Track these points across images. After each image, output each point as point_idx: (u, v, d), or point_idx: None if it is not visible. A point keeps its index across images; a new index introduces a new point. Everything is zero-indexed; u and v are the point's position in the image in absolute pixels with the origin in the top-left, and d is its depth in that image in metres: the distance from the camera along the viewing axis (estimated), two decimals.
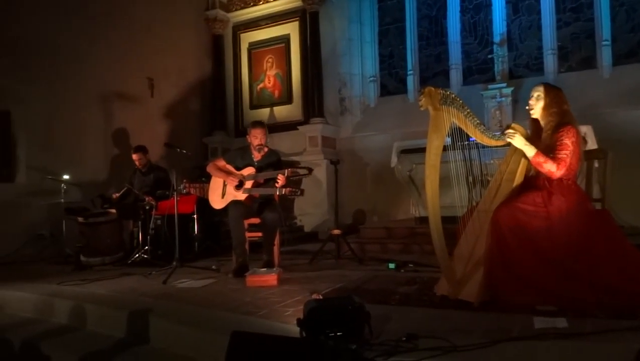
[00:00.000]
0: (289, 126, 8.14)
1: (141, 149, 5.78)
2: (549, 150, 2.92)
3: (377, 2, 8.31)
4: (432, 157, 2.76)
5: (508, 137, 2.97)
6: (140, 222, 5.33)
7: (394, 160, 5.90)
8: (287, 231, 6.45)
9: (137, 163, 5.74)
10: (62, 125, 6.40)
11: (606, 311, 2.45)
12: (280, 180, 4.05)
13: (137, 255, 5.05)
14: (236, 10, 8.80)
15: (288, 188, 4.07)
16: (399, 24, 8.14)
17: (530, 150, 2.91)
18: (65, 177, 5.77)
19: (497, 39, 7.22)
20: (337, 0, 8.17)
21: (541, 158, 2.87)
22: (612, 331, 2.16)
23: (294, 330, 2.26)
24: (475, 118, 2.95)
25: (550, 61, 6.99)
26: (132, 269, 4.67)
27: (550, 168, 2.86)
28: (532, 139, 3.10)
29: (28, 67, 6.07)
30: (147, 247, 5.08)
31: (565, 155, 2.85)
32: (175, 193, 4.48)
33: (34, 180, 6.01)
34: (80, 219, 5.22)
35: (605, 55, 6.64)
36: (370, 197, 7.63)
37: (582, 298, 2.59)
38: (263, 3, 8.53)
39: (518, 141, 2.95)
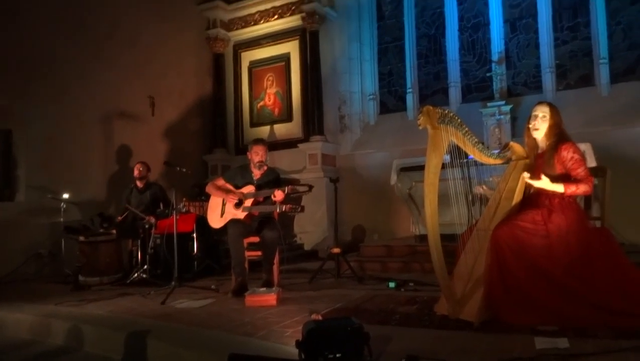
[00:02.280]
0: (289, 144, 8.16)
1: (146, 163, 5.82)
2: (549, 166, 2.92)
3: (376, 21, 8.40)
4: (431, 175, 2.76)
5: (534, 183, 2.89)
6: (139, 241, 5.32)
7: (393, 178, 5.91)
8: (287, 249, 6.40)
9: (137, 172, 5.71)
10: (63, 144, 6.42)
11: (607, 331, 2.43)
12: (278, 195, 4.05)
13: (135, 275, 5.02)
14: (237, 29, 8.89)
15: (288, 205, 4.08)
16: (398, 43, 8.22)
17: (559, 187, 2.86)
18: (65, 195, 5.77)
19: (495, 57, 7.29)
20: (336, 20, 8.27)
21: (573, 188, 2.85)
22: (613, 352, 2.14)
23: (292, 351, 2.25)
24: (474, 137, 2.96)
25: (548, 79, 7.03)
26: (130, 289, 4.64)
27: (585, 189, 2.87)
28: (528, 156, 3.13)
29: (30, 86, 6.12)
30: (146, 266, 5.05)
31: (585, 170, 2.90)
32: (174, 212, 4.47)
33: (34, 199, 6.01)
34: (80, 238, 5.20)
35: (603, 73, 6.68)
36: (371, 214, 7.62)
37: (583, 317, 2.58)
38: (264, 22, 8.62)
39: (545, 183, 2.86)
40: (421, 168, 2.95)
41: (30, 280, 5.52)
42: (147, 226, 5.27)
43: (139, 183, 5.74)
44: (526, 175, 2.93)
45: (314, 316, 2.97)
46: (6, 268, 5.51)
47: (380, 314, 3.15)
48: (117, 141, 7.15)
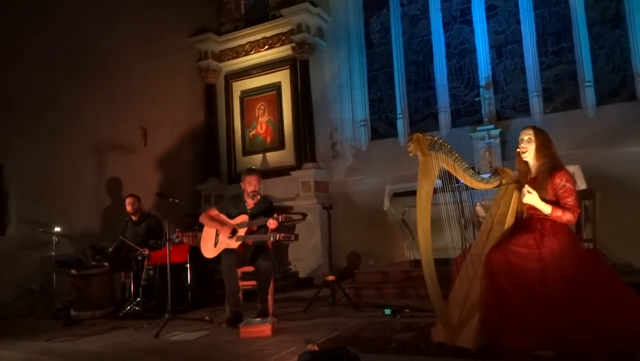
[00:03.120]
0: (281, 171, 8.19)
1: (135, 195, 5.81)
2: (542, 190, 2.96)
3: (365, 49, 8.55)
4: (423, 202, 2.78)
5: (524, 199, 2.95)
6: (132, 273, 5.26)
7: (386, 204, 5.93)
8: (282, 277, 6.38)
9: (129, 208, 5.72)
10: (55, 177, 6.40)
11: (604, 354, 2.43)
12: (272, 224, 4.06)
13: (128, 308, 4.96)
14: (228, 60, 9.01)
15: (282, 234, 4.08)
16: (387, 70, 8.35)
17: (546, 208, 2.91)
18: (57, 229, 5.73)
19: (482, 82, 7.41)
20: (326, 49, 8.41)
21: (559, 212, 2.90)
22: None
23: None
24: (464, 163, 3.00)
25: (535, 102, 7.15)
26: (123, 322, 4.57)
27: (569, 218, 2.91)
28: (520, 180, 3.17)
29: (22, 118, 6.13)
30: (139, 299, 4.99)
31: (575, 200, 2.95)
32: (167, 242, 4.45)
33: (26, 233, 5.95)
34: (72, 271, 5.14)
35: (588, 95, 6.81)
36: (365, 240, 7.61)
37: (579, 341, 2.57)
38: (254, 53, 8.75)
39: (533, 199, 2.92)
40: (414, 193, 2.97)
41: (21, 316, 5.43)
42: (140, 258, 5.24)
43: (133, 217, 5.74)
44: (525, 188, 2.97)
45: (309, 347, 2.95)
46: None
47: (377, 342, 3.13)
48: (110, 172, 7.14)
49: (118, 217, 5.98)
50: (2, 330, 4.56)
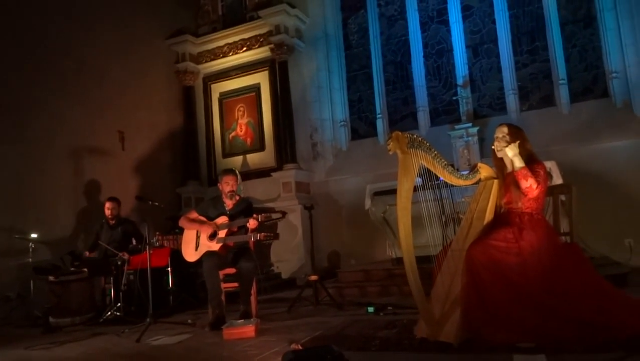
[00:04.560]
0: (262, 173, 8.17)
1: (115, 199, 5.72)
2: (517, 185, 3.02)
3: (343, 50, 8.58)
4: (403, 200, 2.80)
5: (500, 149, 3.08)
6: (112, 278, 5.18)
7: (367, 203, 5.96)
8: (264, 279, 6.35)
9: (108, 212, 5.62)
10: (31, 182, 6.27)
11: (583, 345, 2.47)
12: (252, 224, 4.05)
13: (109, 313, 4.88)
14: (206, 62, 8.95)
15: (263, 233, 4.09)
16: (365, 70, 8.40)
17: (519, 162, 3.00)
18: (34, 235, 5.62)
19: (460, 81, 7.51)
20: (304, 50, 8.41)
21: (527, 172, 2.96)
22: None
23: None
24: (443, 160, 3.03)
25: (512, 100, 7.27)
26: (104, 328, 4.51)
27: (532, 184, 2.95)
28: (497, 176, 3.22)
29: None
30: (119, 304, 4.92)
31: (542, 179, 3.00)
32: (148, 246, 4.40)
33: (1, 240, 5.81)
34: (50, 278, 5.04)
35: (562, 93, 6.95)
36: (346, 239, 7.64)
37: (559, 333, 2.61)
38: (232, 54, 8.71)
39: (510, 151, 3.03)
40: (394, 191, 2.98)
41: None
42: (119, 262, 5.16)
43: (110, 221, 5.65)
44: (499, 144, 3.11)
45: (293, 346, 2.95)
46: None
47: (361, 340, 3.14)
48: (87, 177, 7.02)
49: (96, 221, 5.87)
50: None
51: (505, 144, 3.11)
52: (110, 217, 5.64)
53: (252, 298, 4.24)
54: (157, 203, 4.67)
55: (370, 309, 4.17)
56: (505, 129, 3.19)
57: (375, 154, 7.75)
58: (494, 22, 7.52)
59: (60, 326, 4.78)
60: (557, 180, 4.92)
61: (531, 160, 3.08)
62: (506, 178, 3.16)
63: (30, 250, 5.47)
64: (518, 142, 3.05)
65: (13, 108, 6.19)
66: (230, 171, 4.56)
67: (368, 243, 7.27)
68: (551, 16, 7.09)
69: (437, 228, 3.13)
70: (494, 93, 7.49)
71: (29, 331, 4.75)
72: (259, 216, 4.07)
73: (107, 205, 5.67)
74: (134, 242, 5.47)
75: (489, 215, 3.13)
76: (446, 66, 7.81)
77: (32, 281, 5.37)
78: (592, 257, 4.74)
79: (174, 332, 3.97)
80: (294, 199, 7.68)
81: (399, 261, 5.54)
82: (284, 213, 4.20)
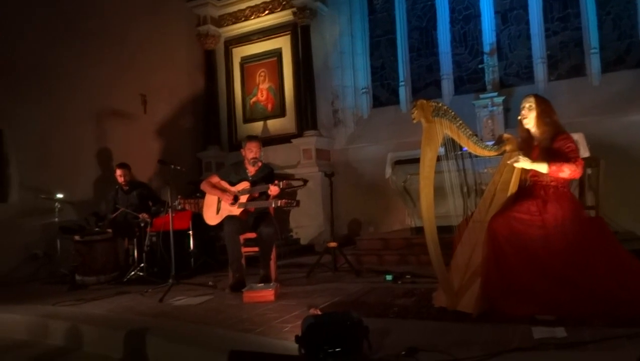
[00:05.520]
0: (282, 139, 8.15)
1: (125, 165, 5.74)
2: (548, 154, 2.95)
3: (367, 14, 8.38)
4: (426, 169, 2.76)
5: (515, 163, 2.94)
6: (135, 240, 5.30)
7: (388, 171, 5.92)
8: (283, 244, 6.43)
9: (120, 179, 5.66)
10: (55, 143, 6.38)
11: (604, 319, 2.46)
12: (273, 190, 4.07)
13: (132, 273, 5.01)
14: (227, 25, 8.84)
15: (283, 200, 4.10)
16: (389, 36, 8.21)
17: (542, 167, 2.88)
18: (59, 195, 5.74)
19: (487, 48, 7.30)
20: (327, 14, 8.24)
21: (556, 166, 2.86)
22: (610, 340, 2.17)
23: (292, 346, 2.25)
24: (468, 130, 2.97)
25: (540, 70, 7.06)
26: (128, 287, 4.63)
27: (570, 169, 2.85)
28: (523, 148, 3.15)
29: (21, 85, 6.06)
30: (142, 265, 5.04)
31: (577, 155, 2.92)
32: (170, 209, 4.46)
33: (28, 200, 5.97)
34: (76, 237, 5.18)
35: (594, 62, 6.72)
36: (366, 207, 7.64)
37: (580, 306, 2.60)
38: (254, 18, 8.58)
39: (526, 163, 2.91)
40: (415, 161, 2.95)
41: (26, 282, 5.50)
42: (142, 224, 5.26)
43: (124, 186, 5.70)
44: (511, 160, 2.96)
45: (312, 311, 2.99)
46: (1, 269, 5.48)
47: (379, 307, 3.17)
48: (110, 139, 7.10)
49: (112, 188, 5.93)
50: (8, 295, 4.62)
51: (528, 118, 3.05)
52: (122, 183, 5.69)
53: (272, 263, 4.30)
54: (179, 167, 4.71)
55: (389, 277, 4.20)
56: (532, 99, 3.10)
57: (396, 122, 7.66)
58: None
59: (85, 284, 4.94)
60: (584, 152, 4.82)
61: (557, 133, 3.00)
62: (533, 151, 3.09)
63: (57, 210, 5.60)
64: (521, 153, 2.95)
65: (37, 69, 6.24)
66: (254, 138, 4.56)
67: (387, 212, 7.28)
68: None
69: (459, 199, 3.11)
70: (521, 62, 7.28)
71: (56, 288, 4.91)
72: (281, 183, 4.08)
73: (118, 172, 5.68)
74: (150, 204, 5.56)
75: (512, 188, 3.07)
76: (473, 33, 7.59)
77: (58, 241, 5.52)
78: (617, 231, 4.66)
79: (195, 293, 4.06)
80: (314, 166, 7.68)
81: (418, 230, 5.53)
82: (305, 181, 4.21)
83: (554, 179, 2.96)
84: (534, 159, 2.97)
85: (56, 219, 5.58)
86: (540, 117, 3.05)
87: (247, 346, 2.46)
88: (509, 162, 3.00)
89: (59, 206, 5.64)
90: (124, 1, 7.41)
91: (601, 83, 6.65)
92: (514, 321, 2.53)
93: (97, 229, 5.41)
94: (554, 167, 2.86)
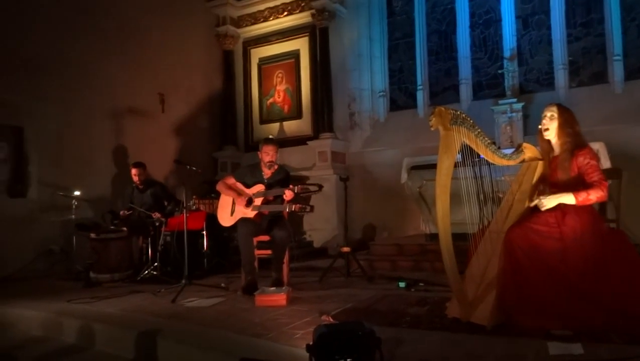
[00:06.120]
0: (298, 141, 8.14)
1: (141, 165, 5.79)
2: (564, 169, 2.89)
3: (386, 17, 8.34)
4: (443, 177, 2.73)
5: (542, 207, 2.83)
6: (149, 238, 5.34)
7: (404, 177, 5.87)
8: (297, 247, 6.42)
9: (135, 178, 5.72)
10: (74, 141, 6.46)
11: (622, 336, 2.40)
12: (288, 195, 4.06)
13: (146, 272, 5.04)
14: (246, 26, 8.87)
15: (297, 205, 4.07)
16: (408, 39, 8.16)
17: (568, 198, 2.79)
18: (76, 193, 5.80)
19: (507, 53, 7.20)
20: (346, 16, 8.22)
21: (584, 195, 2.77)
22: (628, 359, 2.11)
23: (302, 354, 2.23)
24: (486, 138, 2.93)
25: (561, 76, 6.95)
26: (141, 286, 4.66)
27: (597, 195, 2.78)
28: (543, 158, 3.09)
29: (41, 83, 6.15)
30: (156, 264, 5.08)
31: (600, 175, 2.84)
32: (184, 209, 4.48)
33: (45, 196, 6.06)
34: (92, 235, 5.23)
35: (617, 70, 6.58)
36: (380, 212, 7.59)
37: (597, 322, 2.54)
38: (273, 19, 8.60)
39: (552, 202, 2.81)
40: (432, 166, 2.91)
41: (41, 277, 5.57)
42: (157, 223, 5.30)
43: (139, 185, 5.76)
44: (534, 202, 2.88)
45: (324, 318, 2.97)
46: (17, 264, 5.56)
47: (391, 315, 3.14)
48: (127, 138, 7.17)
49: (129, 186, 5.97)
50: (23, 290, 4.68)
51: (550, 128, 2.97)
52: (137, 182, 5.74)
53: (284, 266, 4.29)
54: (194, 168, 4.73)
55: (402, 284, 4.16)
56: (554, 109, 3.03)
57: (413, 126, 7.60)
58: None
59: (100, 281, 4.98)
60: (605, 162, 4.71)
61: (577, 146, 2.91)
62: (552, 162, 3.03)
63: (74, 207, 5.66)
64: (547, 196, 2.83)
65: (56, 68, 6.33)
66: (270, 141, 4.55)
67: (402, 217, 7.22)
68: None
69: (475, 207, 3.06)
70: (542, 68, 7.17)
71: (71, 285, 4.96)
72: (296, 187, 4.07)
73: (133, 171, 5.74)
74: (165, 204, 5.60)
75: (531, 198, 3.02)
76: (493, 37, 7.50)
77: (74, 237, 5.58)
78: (637, 244, 4.56)
79: (207, 295, 4.06)
80: (330, 169, 7.66)
81: (433, 237, 5.48)
82: (320, 187, 4.18)
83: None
84: (553, 170, 2.91)
85: (73, 216, 5.65)
86: (562, 128, 2.97)
87: (258, 352, 2.45)
88: (532, 205, 2.91)
89: (75, 203, 5.70)
90: (143, 0, 7.47)
91: (624, 91, 6.52)
92: (529, 336, 2.48)
93: (112, 227, 5.46)
94: (580, 198, 2.77)
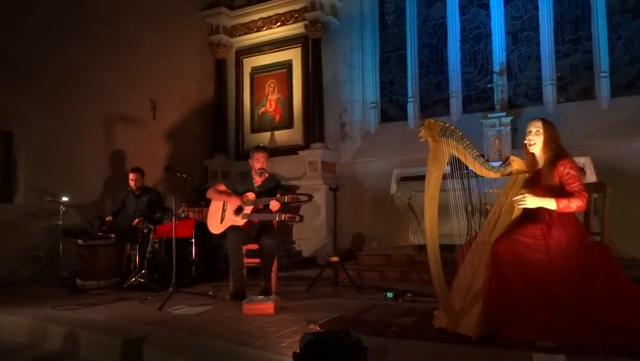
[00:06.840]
0: (289, 150, 8.17)
1: (139, 170, 5.80)
2: (548, 180, 2.94)
3: (378, 30, 8.44)
4: (431, 188, 2.76)
5: (521, 205, 2.89)
6: (137, 245, 5.31)
7: (393, 187, 5.91)
8: (285, 256, 6.40)
9: (132, 183, 5.72)
10: (63, 147, 6.42)
11: (606, 348, 2.43)
12: (274, 206, 4.07)
13: (133, 279, 5.01)
14: (239, 35, 8.92)
15: (287, 214, 4.09)
16: (400, 52, 8.26)
17: (550, 203, 2.84)
18: (64, 198, 5.76)
19: (496, 68, 7.31)
20: (339, 28, 8.30)
21: (564, 202, 2.83)
22: None
23: None
24: (475, 150, 2.97)
25: (549, 91, 7.06)
26: (128, 293, 4.62)
27: (577, 204, 2.83)
28: (528, 170, 3.14)
29: (32, 88, 6.12)
30: (143, 271, 5.04)
31: (580, 185, 2.89)
32: (174, 217, 4.47)
33: (33, 201, 6.00)
34: (79, 241, 5.19)
35: (603, 86, 6.71)
36: (370, 222, 7.63)
37: (581, 333, 2.57)
38: (266, 29, 8.65)
39: (533, 202, 2.87)
40: (421, 178, 2.94)
41: (27, 283, 5.50)
42: (145, 231, 5.27)
43: (135, 191, 5.75)
44: (517, 198, 2.92)
45: (311, 327, 2.97)
46: (3, 270, 5.49)
47: (378, 325, 3.14)
48: (118, 144, 7.15)
49: (124, 189, 5.98)
50: (8, 296, 4.62)
51: (536, 143, 3.03)
52: (134, 187, 5.73)
53: (273, 275, 4.29)
54: (184, 175, 4.72)
55: (389, 294, 4.17)
56: (539, 124, 3.09)
57: (403, 138, 7.66)
58: (536, 8, 7.28)
59: (86, 288, 4.94)
60: (591, 177, 4.78)
61: (558, 156, 2.97)
62: (537, 174, 3.08)
63: (61, 212, 5.62)
64: (531, 195, 2.88)
65: (48, 73, 6.31)
66: (261, 148, 4.58)
67: (391, 228, 7.25)
68: (598, 4, 6.83)
69: (463, 219, 3.09)
70: (530, 83, 7.28)
71: (57, 291, 4.91)
72: (286, 197, 4.09)
73: (131, 176, 5.75)
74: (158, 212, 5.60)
75: (517, 210, 3.06)
76: (483, 52, 7.62)
77: (61, 243, 5.53)
78: (621, 257, 4.62)
79: (194, 303, 4.04)
80: (320, 179, 7.69)
81: (421, 248, 5.51)
82: (310, 197, 4.20)
83: None
84: (538, 182, 2.96)
85: (60, 222, 5.60)
86: (547, 142, 3.04)
87: (245, 360, 2.45)
88: (516, 204, 2.95)
89: (63, 209, 5.65)
90: (138, 8, 7.50)
91: (610, 107, 6.64)
92: (514, 347, 2.51)
93: (100, 234, 5.42)
94: (561, 205, 2.83)
